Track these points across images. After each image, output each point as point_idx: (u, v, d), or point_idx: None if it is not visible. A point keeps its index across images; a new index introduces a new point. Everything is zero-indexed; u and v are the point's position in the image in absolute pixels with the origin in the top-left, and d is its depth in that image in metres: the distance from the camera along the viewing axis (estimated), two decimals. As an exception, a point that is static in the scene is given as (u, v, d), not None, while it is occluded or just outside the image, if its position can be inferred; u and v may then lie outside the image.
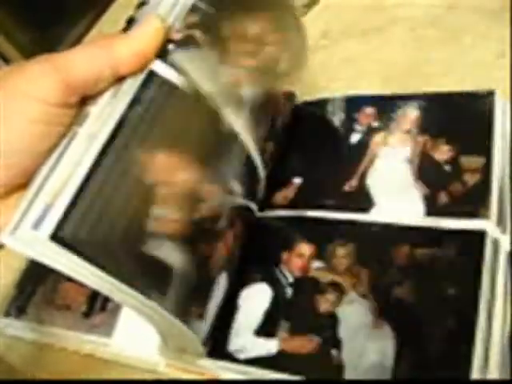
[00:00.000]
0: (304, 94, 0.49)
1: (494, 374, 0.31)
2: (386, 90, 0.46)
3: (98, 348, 0.40)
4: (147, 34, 0.30)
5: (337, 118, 0.46)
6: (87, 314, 0.41)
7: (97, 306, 0.41)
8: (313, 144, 0.46)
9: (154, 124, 0.30)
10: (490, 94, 0.41)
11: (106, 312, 0.40)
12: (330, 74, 0.51)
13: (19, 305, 0.44)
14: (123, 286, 0.28)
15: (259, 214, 0.42)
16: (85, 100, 0.30)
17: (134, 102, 0.29)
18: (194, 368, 0.37)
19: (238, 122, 0.36)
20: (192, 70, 0.32)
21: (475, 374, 0.31)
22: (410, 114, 0.43)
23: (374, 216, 0.39)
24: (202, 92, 0.33)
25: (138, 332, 0.38)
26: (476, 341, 0.31)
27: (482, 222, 0.36)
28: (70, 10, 0.88)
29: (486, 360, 0.31)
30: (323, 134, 0.46)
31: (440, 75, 0.46)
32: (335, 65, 0.52)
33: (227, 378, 0.37)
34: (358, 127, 0.45)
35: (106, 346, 0.40)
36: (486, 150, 0.39)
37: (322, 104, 0.47)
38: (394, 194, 0.40)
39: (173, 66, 0.31)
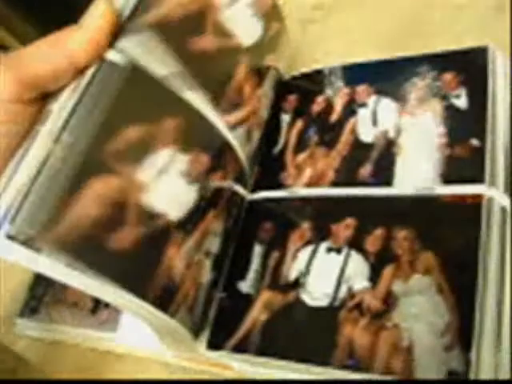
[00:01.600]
0: (298, 68, 0.48)
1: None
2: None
3: (108, 343, 0.41)
4: (96, 20, 0.30)
5: (332, 89, 0.44)
6: (94, 311, 0.41)
7: (102, 302, 0.41)
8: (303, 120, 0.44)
9: (111, 112, 0.30)
10: (483, 51, 0.38)
11: (112, 307, 0.40)
12: (325, 45, 0.50)
13: (32, 305, 0.45)
14: (97, 283, 0.28)
15: (250, 197, 0.42)
16: (47, 97, 0.30)
17: (85, 93, 0.29)
18: (200, 357, 0.38)
19: (201, 101, 0.35)
20: (142, 55, 0.32)
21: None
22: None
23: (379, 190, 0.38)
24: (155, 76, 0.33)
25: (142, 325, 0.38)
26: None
27: (487, 187, 0.34)
28: (78, 5, 0.88)
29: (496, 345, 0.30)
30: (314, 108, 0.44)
31: (438, 35, 0.44)
32: (330, 36, 0.50)
33: (234, 365, 0.37)
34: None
35: (114, 341, 0.40)
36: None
37: (314, 76, 0.46)
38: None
39: (123, 51, 0.31)
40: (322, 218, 0.38)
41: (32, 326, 0.44)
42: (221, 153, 0.37)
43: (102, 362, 0.41)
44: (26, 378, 0.44)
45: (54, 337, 0.43)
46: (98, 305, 0.41)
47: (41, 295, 0.45)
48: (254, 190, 0.42)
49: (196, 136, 0.35)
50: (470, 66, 0.39)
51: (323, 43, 0.50)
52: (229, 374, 0.38)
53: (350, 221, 0.37)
